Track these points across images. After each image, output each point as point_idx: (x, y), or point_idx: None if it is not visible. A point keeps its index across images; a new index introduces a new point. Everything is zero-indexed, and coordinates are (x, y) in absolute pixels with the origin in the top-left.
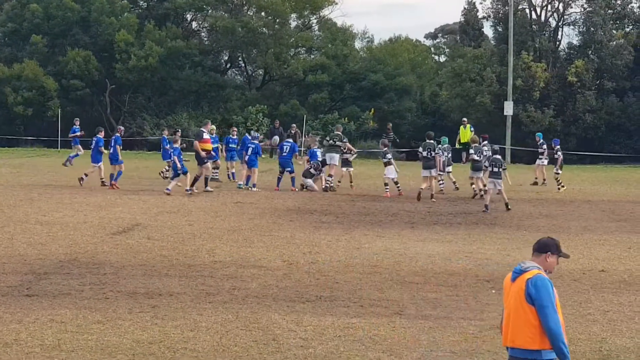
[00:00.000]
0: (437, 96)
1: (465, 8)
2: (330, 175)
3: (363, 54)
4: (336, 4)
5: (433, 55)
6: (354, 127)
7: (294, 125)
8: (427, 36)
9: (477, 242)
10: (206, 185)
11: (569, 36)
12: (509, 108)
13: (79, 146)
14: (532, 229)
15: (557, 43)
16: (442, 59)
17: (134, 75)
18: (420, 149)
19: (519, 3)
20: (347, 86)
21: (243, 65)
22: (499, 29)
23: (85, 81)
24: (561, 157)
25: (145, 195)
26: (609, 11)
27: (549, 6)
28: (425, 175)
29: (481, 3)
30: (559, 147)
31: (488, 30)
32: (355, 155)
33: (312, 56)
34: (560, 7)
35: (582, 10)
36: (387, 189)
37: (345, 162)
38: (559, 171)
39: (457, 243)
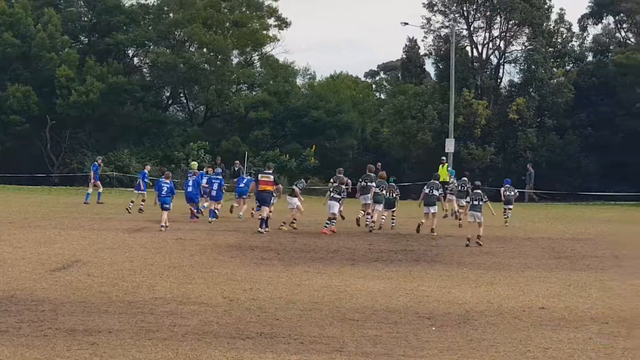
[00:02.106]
0: (379, 133)
1: (407, 45)
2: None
3: (305, 91)
4: (278, 40)
5: (375, 92)
6: (295, 164)
7: (237, 161)
8: (368, 73)
9: (418, 279)
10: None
11: (510, 74)
12: (450, 145)
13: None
14: (473, 266)
15: (499, 80)
16: (384, 95)
17: (75, 111)
18: (425, 188)
19: (460, 40)
20: (289, 123)
21: (185, 101)
22: (441, 66)
23: (25, 116)
24: (514, 194)
25: (86, 232)
26: (550, 49)
27: (491, 44)
28: (426, 212)
29: (423, 40)
30: (508, 185)
31: (430, 67)
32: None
33: (254, 92)
34: (502, 45)
35: (523, 48)
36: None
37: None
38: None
39: (397, 280)
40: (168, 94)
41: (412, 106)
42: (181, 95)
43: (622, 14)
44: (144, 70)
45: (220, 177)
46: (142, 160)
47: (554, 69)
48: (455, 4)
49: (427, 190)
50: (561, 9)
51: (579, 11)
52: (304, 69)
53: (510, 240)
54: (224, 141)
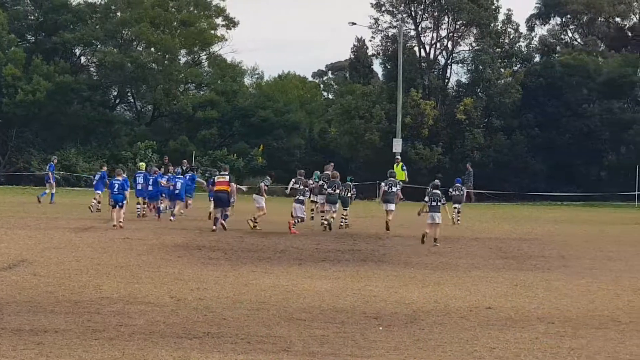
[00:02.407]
0: (326, 133)
1: (355, 45)
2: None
3: (252, 91)
4: (226, 40)
5: (323, 92)
6: (242, 163)
7: (185, 160)
8: (316, 73)
9: (365, 279)
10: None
11: (457, 74)
12: (397, 145)
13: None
14: (420, 266)
15: (446, 81)
16: (332, 95)
17: (21, 110)
18: (384, 185)
19: (408, 41)
20: (237, 122)
21: (132, 100)
22: (388, 66)
23: None
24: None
25: (32, 231)
26: (497, 50)
27: (438, 44)
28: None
29: (371, 40)
30: (458, 185)
31: (377, 67)
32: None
33: (202, 92)
34: (449, 46)
35: (471, 48)
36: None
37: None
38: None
39: (345, 280)
40: (115, 93)
41: (359, 106)
42: (129, 94)
43: (568, 15)
44: (91, 69)
45: (181, 176)
46: (90, 160)
47: (502, 70)
48: (403, 4)
49: (385, 188)
50: (509, 10)
51: (527, 12)
52: (252, 68)
53: (457, 241)
54: (171, 141)
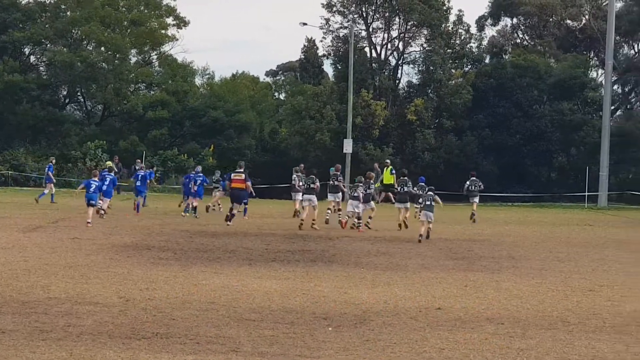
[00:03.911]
0: (277, 133)
1: (305, 46)
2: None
3: (203, 91)
4: (177, 40)
5: (274, 92)
6: (193, 163)
7: (139, 160)
8: (268, 73)
9: (315, 279)
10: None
11: (408, 75)
12: (348, 146)
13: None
14: (370, 267)
15: (397, 81)
16: (283, 96)
17: None
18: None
19: (359, 41)
20: (187, 122)
21: (82, 100)
22: (339, 67)
23: None
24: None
25: None
26: (448, 50)
27: (389, 45)
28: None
29: (321, 41)
30: (422, 184)
31: (328, 68)
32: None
33: (152, 92)
34: (400, 46)
35: (422, 49)
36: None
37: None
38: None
39: (294, 280)
40: (65, 93)
41: (310, 107)
42: (78, 94)
43: (519, 16)
44: (41, 68)
45: (142, 172)
46: (39, 160)
47: (452, 70)
48: (354, 5)
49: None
50: (460, 11)
51: (478, 12)
52: (203, 68)
53: (407, 241)
54: (122, 140)
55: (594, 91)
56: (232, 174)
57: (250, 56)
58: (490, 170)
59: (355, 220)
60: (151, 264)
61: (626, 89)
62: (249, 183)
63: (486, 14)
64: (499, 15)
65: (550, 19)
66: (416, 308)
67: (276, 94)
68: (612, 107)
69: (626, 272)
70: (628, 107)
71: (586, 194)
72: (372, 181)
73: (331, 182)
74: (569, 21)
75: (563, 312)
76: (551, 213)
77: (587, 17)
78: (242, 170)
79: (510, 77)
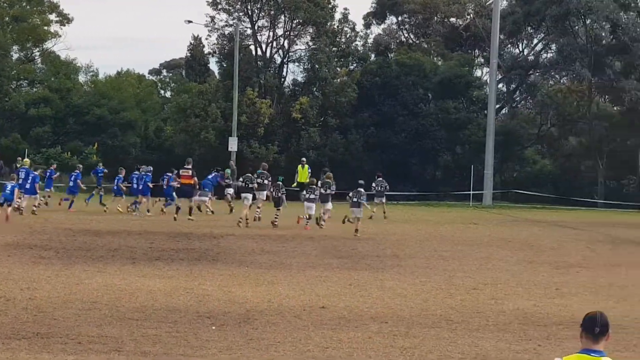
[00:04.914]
0: (162, 131)
1: (191, 43)
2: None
3: (87, 88)
4: (60, 37)
5: (160, 90)
6: (77, 161)
7: (19, 157)
8: (152, 71)
9: (199, 278)
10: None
11: (294, 73)
12: (233, 144)
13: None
14: (254, 265)
15: (282, 80)
16: (168, 94)
17: None
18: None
19: (244, 39)
20: (71, 120)
21: None
22: (225, 65)
23: None
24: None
25: None
26: (334, 49)
27: (274, 43)
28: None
29: (207, 39)
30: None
31: (214, 66)
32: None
33: (35, 89)
34: (286, 44)
35: (307, 47)
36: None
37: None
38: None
39: (178, 279)
40: None
41: (195, 104)
42: None
43: (404, 14)
44: None
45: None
46: None
47: (338, 69)
48: (239, 3)
49: (322, 190)
50: (345, 9)
51: (363, 10)
52: (87, 66)
53: (292, 240)
54: (3, 138)
55: (479, 90)
56: (181, 171)
57: (135, 54)
58: (375, 169)
59: (306, 218)
60: (33, 263)
61: (511, 88)
62: (195, 179)
63: (371, 12)
64: (384, 13)
65: (435, 17)
66: (300, 307)
67: (162, 91)
68: (497, 106)
69: (509, 270)
70: (513, 105)
71: (471, 192)
72: (331, 181)
73: (260, 180)
74: (453, 19)
75: (447, 311)
76: (436, 211)
77: (471, 15)
78: (189, 167)
79: (396, 75)
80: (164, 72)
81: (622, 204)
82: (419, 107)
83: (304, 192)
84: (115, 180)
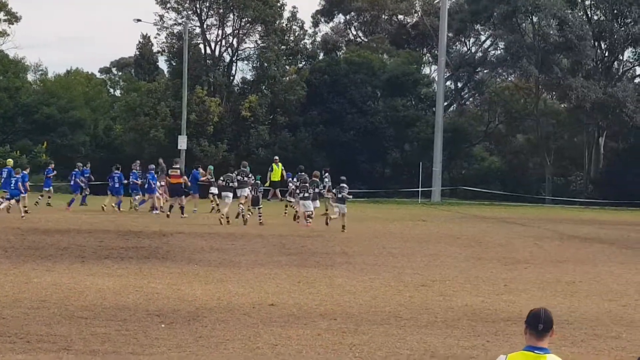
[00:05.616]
0: (111, 130)
1: (140, 42)
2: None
3: (36, 87)
4: (8, 35)
5: (109, 89)
6: (26, 160)
7: None
8: (102, 70)
9: (148, 276)
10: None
11: (243, 71)
12: (182, 142)
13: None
14: (204, 263)
15: (232, 78)
16: (118, 92)
17: None
18: (297, 190)
19: (193, 38)
20: (20, 119)
21: None
22: (174, 63)
23: None
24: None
25: None
26: (282, 47)
27: (224, 41)
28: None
29: (156, 37)
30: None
31: (163, 64)
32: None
33: None
34: (235, 43)
35: (256, 45)
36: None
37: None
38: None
39: (127, 277)
40: None
41: (144, 103)
42: None
43: (352, 13)
44: None
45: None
46: None
47: (287, 67)
48: (188, 1)
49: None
50: (294, 7)
51: (312, 9)
52: (36, 64)
53: (241, 237)
54: None
55: (427, 87)
56: (170, 171)
57: (84, 53)
58: (324, 166)
59: (304, 216)
60: None
61: (459, 85)
62: (185, 177)
63: (320, 10)
64: (333, 11)
65: (383, 15)
66: (249, 304)
67: (111, 90)
68: (445, 103)
69: (458, 267)
70: (461, 103)
71: (420, 189)
72: (318, 180)
73: (240, 177)
74: (401, 17)
75: (396, 308)
76: (385, 209)
77: (419, 13)
78: (178, 166)
79: (344, 73)
80: (114, 71)
81: (569, 200)
82: (368, 105)
83: (298, 191)
84: (72, 176)
